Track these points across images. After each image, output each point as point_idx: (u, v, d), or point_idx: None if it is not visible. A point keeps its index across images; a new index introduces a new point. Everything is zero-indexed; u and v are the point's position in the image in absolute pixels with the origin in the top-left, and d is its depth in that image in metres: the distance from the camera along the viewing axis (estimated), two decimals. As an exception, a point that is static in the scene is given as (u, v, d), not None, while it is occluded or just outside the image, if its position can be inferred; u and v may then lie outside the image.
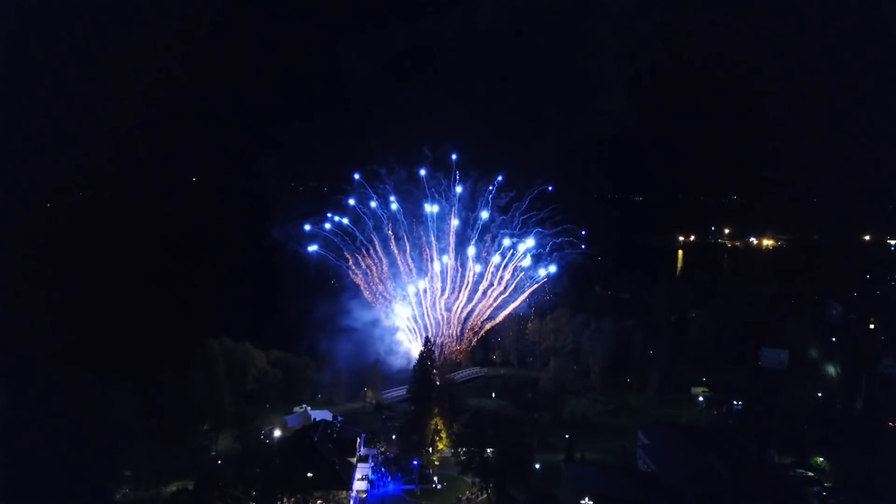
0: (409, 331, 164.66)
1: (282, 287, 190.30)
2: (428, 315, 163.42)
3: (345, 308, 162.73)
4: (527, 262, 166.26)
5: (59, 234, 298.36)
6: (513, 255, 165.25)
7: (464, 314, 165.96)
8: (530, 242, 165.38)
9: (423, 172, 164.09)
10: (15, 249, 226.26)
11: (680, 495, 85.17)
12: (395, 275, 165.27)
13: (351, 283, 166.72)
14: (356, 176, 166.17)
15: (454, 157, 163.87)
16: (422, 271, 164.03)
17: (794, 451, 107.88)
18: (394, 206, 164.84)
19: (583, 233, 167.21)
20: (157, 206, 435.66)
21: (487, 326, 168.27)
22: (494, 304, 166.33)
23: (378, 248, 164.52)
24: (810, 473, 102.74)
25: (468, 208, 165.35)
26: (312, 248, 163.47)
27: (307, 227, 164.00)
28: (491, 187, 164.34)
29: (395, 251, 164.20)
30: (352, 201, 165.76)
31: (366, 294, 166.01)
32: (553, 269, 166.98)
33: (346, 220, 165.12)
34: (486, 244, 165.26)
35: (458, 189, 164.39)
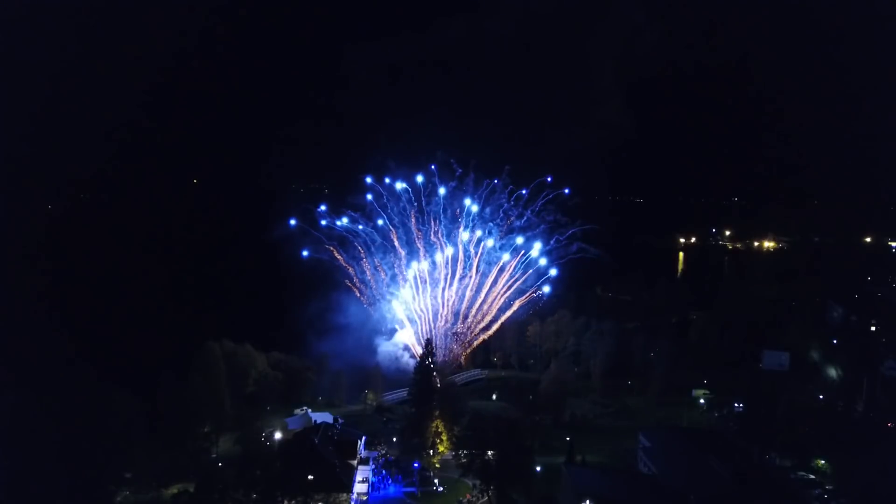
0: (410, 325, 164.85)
1: (282, 289, 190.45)
2: (429, 309, 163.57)
3: (346, 310, 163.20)
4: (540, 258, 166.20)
5: (60, 237, 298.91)
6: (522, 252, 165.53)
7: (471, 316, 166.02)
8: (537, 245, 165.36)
9: (425, 174, 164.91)
10: (16, 251, 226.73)
11: (681, 498, 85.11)
12: (394, 278, 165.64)
13: (354, 284, 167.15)
14: (368, 180, 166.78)
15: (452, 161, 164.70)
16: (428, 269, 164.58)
17: (795, 453, 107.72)
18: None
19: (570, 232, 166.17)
20: (158, 208, 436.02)
21: (493, 328, 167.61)
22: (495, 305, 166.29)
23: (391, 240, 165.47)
24: (811, 476, 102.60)
25: (474, 209, 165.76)
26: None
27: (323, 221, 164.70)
28: (497, 186, 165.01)
29: (400, 249, 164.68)
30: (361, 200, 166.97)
31: (366, 296, 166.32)
32: (553, 272, 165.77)
33: (344, 221, 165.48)
34: (478, 240, 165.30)
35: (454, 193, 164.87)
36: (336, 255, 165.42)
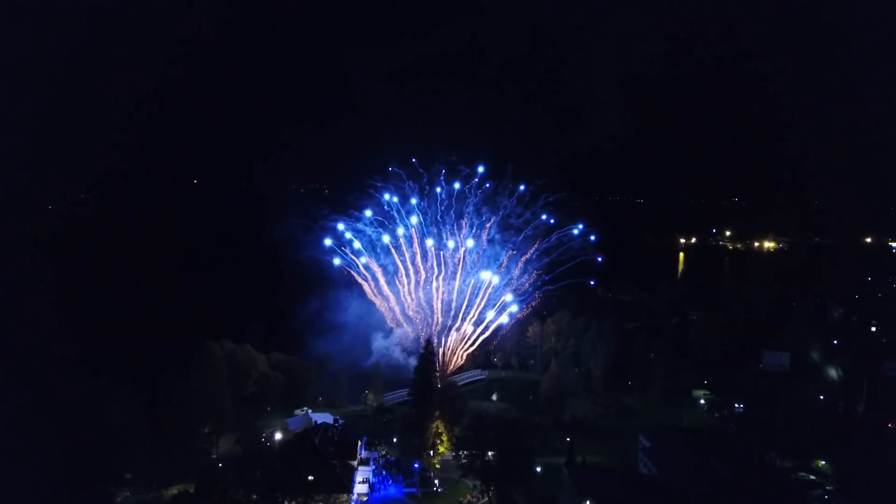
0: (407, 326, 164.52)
1: (283, 289, 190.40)
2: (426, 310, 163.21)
3: (346, 310, 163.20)
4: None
5: (61, 237, 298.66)
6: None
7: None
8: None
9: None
10: (16, 251, 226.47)
11: (681, 498, 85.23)
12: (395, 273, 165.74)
13: (355, 284, 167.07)
14: (375, 183, 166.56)
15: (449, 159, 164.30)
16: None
17: (795, 454, 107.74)
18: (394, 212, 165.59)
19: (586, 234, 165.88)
20: (158, 208, 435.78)
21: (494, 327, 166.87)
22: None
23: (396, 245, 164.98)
24: (812, 477, 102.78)
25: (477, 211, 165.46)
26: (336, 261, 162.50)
27: (327, 243, 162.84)
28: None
29: (404, 251, 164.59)
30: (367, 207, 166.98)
31: (370, 296, 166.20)
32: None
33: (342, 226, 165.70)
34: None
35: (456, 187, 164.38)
36: (357, 262, 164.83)
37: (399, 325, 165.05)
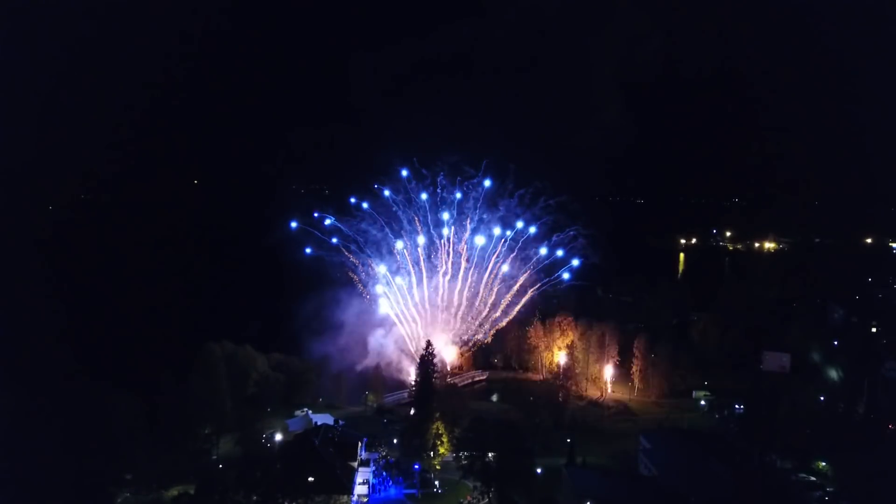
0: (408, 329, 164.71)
1: (283, 290, 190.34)
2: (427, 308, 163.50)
3: (346, 310, 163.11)
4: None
5: (61, 237, 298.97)
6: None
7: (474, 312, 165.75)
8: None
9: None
10: (16, 252, 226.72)
11: (681, 500, 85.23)
12: (396, 272, 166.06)
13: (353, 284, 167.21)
14: (376, 183, 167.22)
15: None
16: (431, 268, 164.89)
17: (795, 455, 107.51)
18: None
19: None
20: (158, 209, 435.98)
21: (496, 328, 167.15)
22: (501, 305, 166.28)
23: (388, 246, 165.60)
24: (812, 478, 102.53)
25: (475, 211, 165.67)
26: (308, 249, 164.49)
27: (294, 225, 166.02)
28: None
29: (398, 251, 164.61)
30: (356, 200, 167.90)
31: (366, 296, 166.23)
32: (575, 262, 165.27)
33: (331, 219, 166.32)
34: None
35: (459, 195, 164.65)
36: (346, 253, 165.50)
37: (398, 323, 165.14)
